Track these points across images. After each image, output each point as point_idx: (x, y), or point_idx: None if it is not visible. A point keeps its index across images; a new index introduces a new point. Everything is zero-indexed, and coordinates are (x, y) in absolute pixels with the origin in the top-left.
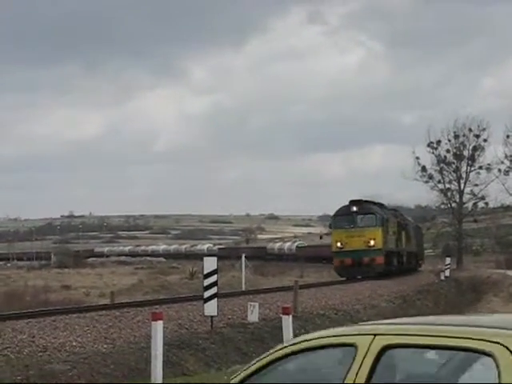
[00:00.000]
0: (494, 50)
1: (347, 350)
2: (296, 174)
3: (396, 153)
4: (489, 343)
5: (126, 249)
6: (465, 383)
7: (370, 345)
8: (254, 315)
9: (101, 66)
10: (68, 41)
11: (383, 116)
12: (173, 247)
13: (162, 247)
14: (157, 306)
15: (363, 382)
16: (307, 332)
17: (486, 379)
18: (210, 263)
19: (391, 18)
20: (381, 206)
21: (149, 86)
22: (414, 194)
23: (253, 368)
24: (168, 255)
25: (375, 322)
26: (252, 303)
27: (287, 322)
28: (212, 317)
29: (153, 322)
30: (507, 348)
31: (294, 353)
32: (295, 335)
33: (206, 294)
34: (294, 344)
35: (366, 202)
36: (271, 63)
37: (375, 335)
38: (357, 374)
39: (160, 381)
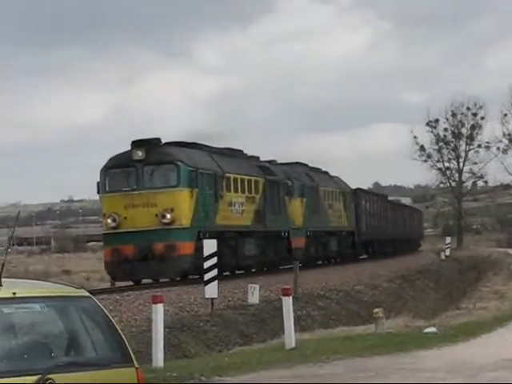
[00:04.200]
0: (500, 28)
1: None
2: (302, 155)
3: (403, 132)
4: None
5: None
6: None
7: None
8: (254, 297)
9: (106, 48)
10: (71, 22)
11: (390, 95)
12: None
13: None
14: (157, 289)
15: None
16: (308, 313)
17: None
18: (210, 246)
19: None
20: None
21: (154, 68)
22: (416, 174)
23: None
24: None
25: None
26: (252, 285)
27: (287, 303)
28: (212, 299)
29: (153, 305)
30: None
31: None
32: (296, 316)
33: (207, 277)
34: None
35: (168, 143)
36: (279, 44)
37: None
38: None
39: (161, 364)
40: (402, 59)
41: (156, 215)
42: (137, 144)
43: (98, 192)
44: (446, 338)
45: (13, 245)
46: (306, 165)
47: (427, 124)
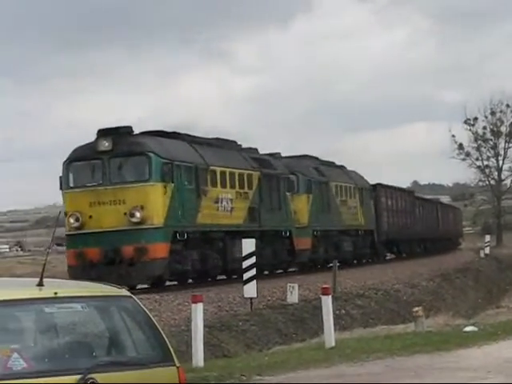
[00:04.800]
0: None
1: None
2: (340, 154)
3: (442, 130)
4: None
5: None
6: None
7: None
8: (293, 296)
9: (145, 49)
10: (110, 24)
11: (428, 93)
12: None
13: None
14: (196, 289)
15: None
16: (347, 312)
17: None
18: (249, 245)
19: None
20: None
21: (192, 68)
22: (454, 172)
23: None
24: None
25: None
26: (291, 284)
27: (327, 302)
28: (251, 298)
29: (193, 305)
30: None
31: None
32: (335, 316)
33: (246, 276)
34: None
35: (142, 133)
36: (317, 43)
37: None
38: None
39: (201, 363)
40: (441, 57)
41: (124, 214)
42: (103, 133)
43: (61, 188)
44: (487, 336)
45: (53, 245)
46: (317, 158)
47: (465, 122)
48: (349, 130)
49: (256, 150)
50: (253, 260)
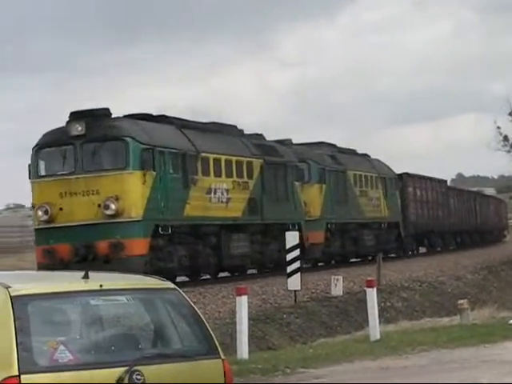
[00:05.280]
0: None
1: None
2: (384, 147)
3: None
4: None
5: None
6: None
7: None
8: (337, 289)
9: (185, 42)
10: (157, 18)
11: (473, 85)
12: None
13: None
14: (240, 282)
15: None
16: (392, 305)
17: None
18: (293, 238)
19: None
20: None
21: (234, 61)
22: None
23: None
24: None
25: None
26: (335, 276)
27: (371, 294)
28: (295, 291)
29: (237, 297)
30: None
31: None
32: (380, 308)
33: (289, 269)
34: None
35: (122, 116)
36: (360, 34)
37: None
38: None
39: (246, 355)
40: (485, 48)
41: (98, 205)
42: (75, 116)
43: (30, 177)
44: None
45: None
46: (334, 145)
47: (510, 114)
48: (392, 122)
49: (261, 135)
50: (297, 252)
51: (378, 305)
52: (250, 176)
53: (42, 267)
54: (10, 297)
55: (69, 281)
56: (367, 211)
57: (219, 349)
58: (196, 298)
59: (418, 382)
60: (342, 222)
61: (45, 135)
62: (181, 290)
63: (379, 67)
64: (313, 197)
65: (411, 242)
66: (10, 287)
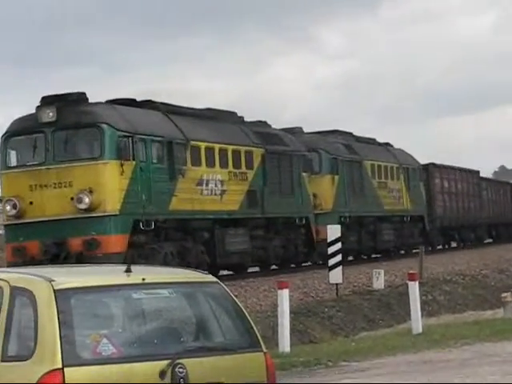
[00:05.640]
0: None
1: None
2: (425, 140)
3: None
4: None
5: None
6: None
7: None
8: (379, 282)
9: (232, 35)
10: (200, 11)
11: None
12: None
13: None
14: (282, 275)
15: None
16: (434, 298)
17: None
18: (334, 231)
19: None
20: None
21: (279, 54)
22: None
23: None
24: None
25: None
26: (377, 270)
27: (414, 288)
28: (337, 284)
29: (279, 291)
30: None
31: None
32: (422, 302)
33: (331, 262)
34: None
35: (96, 102)
36: (404, 26)
37: None
38: None
39: (288, 349)
40: None
41: (71, 199)
42: (46, 101)
43: None
44: None
45: None
46: (350, 133)
47: None
48: (438, 113)
49: (265, 123)
50: (338, 246)
51: (420, 298)
52: (249, 166)
53: (11, 266)
54: (54, 290)
55: (111, 275)
56: (386, 204)
57: (261, 342)
58: (237, 292)
59: (458, 375)
60: (357, 215)
61: (13, 123)
62: (222, 284)
63: (422, 59)
64: (324, 189)
65: (438, 236)
66: (53, 281)
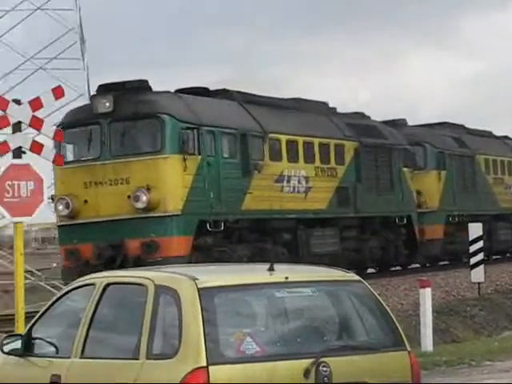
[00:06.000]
0: None
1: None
2: None
3: None
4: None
5: None
6: None
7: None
8: None
9: (363, 35)
10: (330, 11)
11: None
12: None
13: None
14: (422, 274)
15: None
16: None
17: None
18: (476, 229)
19: None
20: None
21: (413, 53)
22: None
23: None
24: None
25: None
26: None
27: None
28: (479, 283)
29: (421, 290)
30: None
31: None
32: None
33: (473, 260)
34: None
35: (158, 91)
36: None
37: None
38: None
39: (431, 348)
40: None
41: (128, 197)
42: (102, 90)
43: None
44: None
45: None
46: (462, 126)
47: None
48: None
49: (362, 114)
50: (480, 244)
51: None
52: (339, 161)
53: (65, 271)
54: (198, 289)
55: (254, 273)
56: (503, 201)
57: (405, 341)
58: (379, 290)
59: None
60: (468, 213)
61: (68, 113)
62: (366, 283)
63: None
64: (429, 185)
65: None
66: (197, 279)
